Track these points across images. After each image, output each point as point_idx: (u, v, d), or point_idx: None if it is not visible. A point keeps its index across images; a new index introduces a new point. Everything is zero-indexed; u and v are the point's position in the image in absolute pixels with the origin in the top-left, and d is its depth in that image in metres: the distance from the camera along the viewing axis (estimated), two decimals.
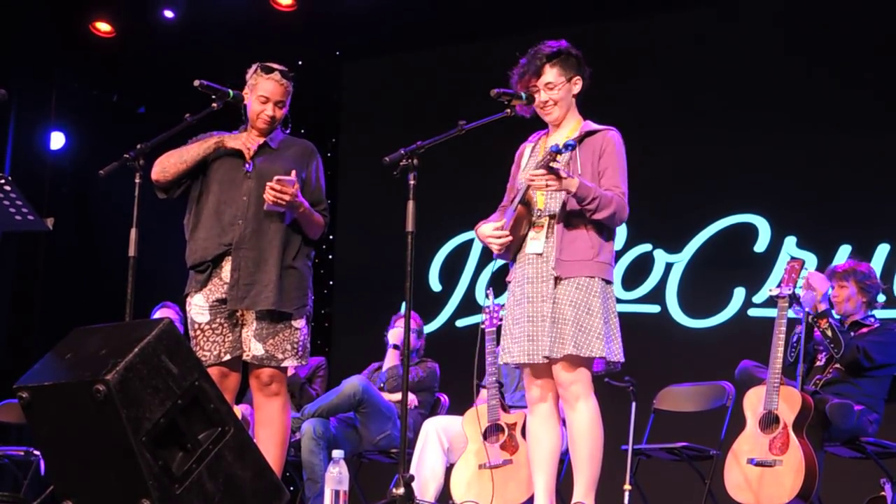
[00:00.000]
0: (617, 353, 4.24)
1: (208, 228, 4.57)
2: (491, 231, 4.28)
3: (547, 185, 4.10)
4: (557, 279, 4.19)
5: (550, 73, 4.33)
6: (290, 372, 6.70)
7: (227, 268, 4.55)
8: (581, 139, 4.27)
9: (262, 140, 4.70)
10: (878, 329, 5.58)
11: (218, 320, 4.54)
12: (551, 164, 4.09)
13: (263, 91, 4.68)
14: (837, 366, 5.53)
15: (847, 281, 5.66)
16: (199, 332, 4.53)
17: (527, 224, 4.31)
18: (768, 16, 7.48)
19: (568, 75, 4.33)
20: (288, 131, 4.81)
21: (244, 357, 4.56)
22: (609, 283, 4.25)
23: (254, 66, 4.73)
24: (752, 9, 7.55)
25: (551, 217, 4.24)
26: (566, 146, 4.16)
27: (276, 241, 4.55)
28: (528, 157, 4.42)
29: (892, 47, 7.04)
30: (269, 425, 4.56)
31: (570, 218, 4.21)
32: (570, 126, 4.35)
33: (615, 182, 4.22)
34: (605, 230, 4.24)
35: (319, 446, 6.06)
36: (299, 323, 4.58)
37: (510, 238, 4.24)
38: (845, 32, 7.19)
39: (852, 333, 5.58)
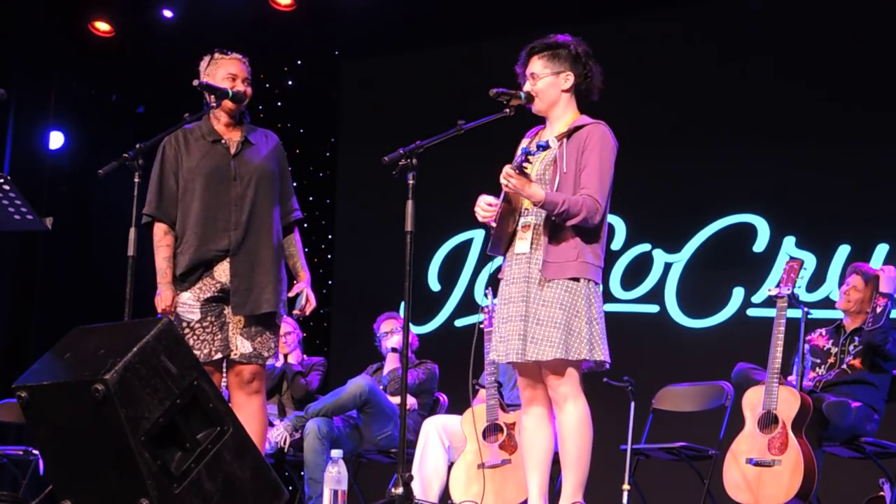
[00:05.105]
0: (600, 354, 4.18)
1: (199, 236, 4.56)
2: (484, 201, 4.28)
3: (509, 186, 4.10)
4: (545, 280, 4.17)
5: (535, 65, 4.32)
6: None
7: (219, 270, 4.57)
8: (570, 134, 4.26)
9: (237, 131, 4.68)
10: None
11: (209, 318, 4.55)
12: (523, 167, 4.09)
13: (228, 69, 4.66)
14: (841, 367, 5.56)
15: (866, 285, 5.68)
16: (188, 330, 4.53)
17: (513, 222, 4.31)
18: (767, 19, 7.47)
19: (555, 69, 4.30)
20: (249, 121, 4.80)
21: (231, 355, 4.58)
22: (596, 283, 4.22)
23: (206, 58, 4.70)
24: (753, 12, 7.54)
25: (537, 218, 4.23)
26: (538, 147, 4.15)
27: (268, 244, 4.59)
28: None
29: (889, 49, 7.04)
30: (249, 423, 4.51)
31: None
32: (564, 121, 4.31)
33: (590, 181, 4.16)
34: (590, 231, 4.19)
35: (324, 446, 6.07)
36: (280, 321, 4.67)
37: (490, 216, 4.25)
38: (844, 34, 7.19)
39: (857, 339, 5.59)
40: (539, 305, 4.17)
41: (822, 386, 5.55)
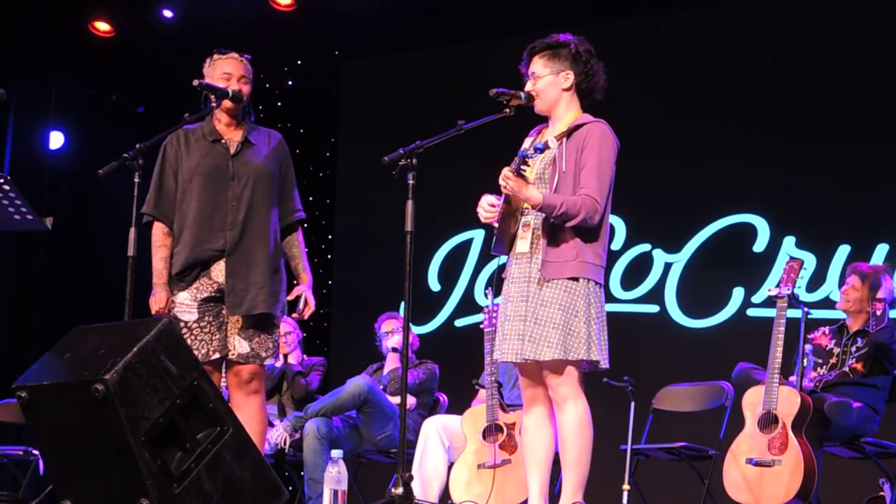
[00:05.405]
0: (597, 354, 4.17)
1: (195, 235, 4.56)
2: (486, 202, 4.30)
3: (507, 188, 4.11)
4: (544, 280, 4.17)
5: (536, 64, 4.33)
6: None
7: (215, 269, 4.57)
8: (570, 133, 4.26)
9: (238, 130, 4.67)
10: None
11: (206, 318, 4.55)
12: (521, 170, 4.10)
13: (224, 68, 4.65)
14: (842, 370, 5.55)
15: (863, 283, 5.68)
16: (185, 330, 4.53)
17: (515, 222, 4.31)
18: (767, 19, 7.48)
19: (555, 68, 4.30)
20: (253, 120, 4.78)
21: (229, 355, 4.58)
22: (597, 283, 4.22)
23: (208, 59, 4.71)
24: (752, 12, 7.54)
25: (537, 218, 4.23)
26: (535, 149, 4.16)
27: (264, 244, 4.58)
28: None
29: (890, 49, 7.04)
30: (248, 423, 4.50)
31: None
32: (566, 120, 4.31)
33: (589, 181, 4.16)
34: (590, 231, 4.19)
35: (323, 446, 6.07)
36: (279, 322, 4.66)
37: (493, 217, 4.26)
38: (844, 34, 7.19)
39: (859, 343, 5.58)
40: (538, 305, 4.17)
41: (823, 386, 5.55)
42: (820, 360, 5.68)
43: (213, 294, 4.56)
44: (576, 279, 4.16)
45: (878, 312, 5.49)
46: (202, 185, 4.58)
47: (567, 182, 4.19)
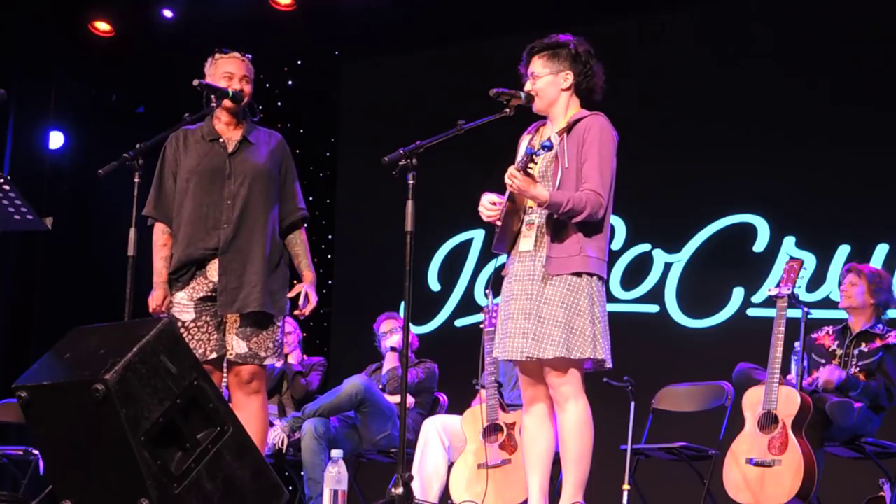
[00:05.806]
0: (601, 352, 4.18)
1: (190, 234, 4.56)
2: (487, 200, 4.29)
3: (513, 187, 4.11)
4: (548, 277, 4.18)
5: (536, 64, 4.33)
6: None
7: (211, 268, 4.56)
8: (570, 129, 4.27)
9: (237, 130, 4.67)
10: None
11: (204, 318, 4.55)
12: (528, 168, 4.11)
13: (226, 68, 4.65)
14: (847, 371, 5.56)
15: (860, 277, 5.67)
16: (183, 329, 4.52)
17: (517, 220, 4.31)
18: (767, 19, 7.48)
19: (555, 68, 4.31)
20: (257, 119, 4.78)
21: (227, 355, 4.58)
22: (600, 279, 4.22)
23: (210, 59, 4.71)
24: (752, 12, 7.54)
25: (541, 216, 4.24)
26: (543, 147, 4.16)
27: (260, 242, 4.57)
28: (524, 147, 4.41)
29: (889, 49, 7.04)
30: (249, 423, 4.51)
31: None
32: (564, 119, 4.32)
33: (591, 175, 4.17)
34: (592, 225, 4.19)
35: (321, 446, 6.07)
36: (281, 321, 4.64)
37: (495, 215, 4.26)
38: (844, 34, 7.20)
39: (863, 346, 5.56)
40: (541, 303, 4.17)
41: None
42: (822, 361, 5.67)
43: (209, 293, 4.56)
44: (579, 275, 4.17)
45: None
46: (198, 184, 4.59)
47: (570, 177, 4.20)
